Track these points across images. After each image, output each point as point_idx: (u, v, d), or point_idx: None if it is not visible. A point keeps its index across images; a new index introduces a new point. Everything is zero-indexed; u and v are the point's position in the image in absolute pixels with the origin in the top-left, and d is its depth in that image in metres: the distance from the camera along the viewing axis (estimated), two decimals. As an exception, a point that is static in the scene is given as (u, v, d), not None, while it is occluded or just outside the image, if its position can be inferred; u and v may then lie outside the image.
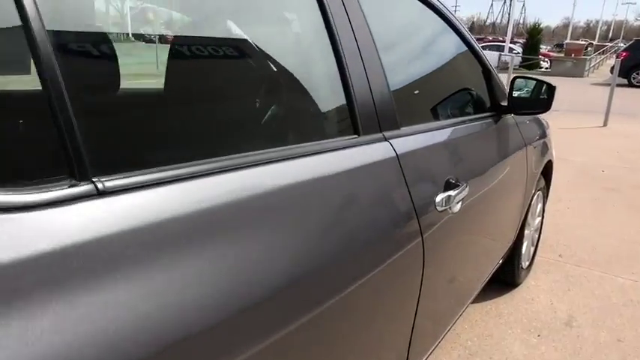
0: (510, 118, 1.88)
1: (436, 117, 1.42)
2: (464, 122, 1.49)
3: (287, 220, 0.73)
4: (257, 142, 0.79)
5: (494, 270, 2.01)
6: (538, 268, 2.66)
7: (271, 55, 0.95)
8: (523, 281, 2.50)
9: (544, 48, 28.54)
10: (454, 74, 1.68)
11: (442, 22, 1.56)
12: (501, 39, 26.23)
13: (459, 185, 1.23)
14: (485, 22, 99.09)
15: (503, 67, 14.44)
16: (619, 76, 12.49)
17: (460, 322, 2.10)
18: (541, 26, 23.53)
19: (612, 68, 8.00)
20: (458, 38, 1.65)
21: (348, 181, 0.88)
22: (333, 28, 0.97)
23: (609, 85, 7.77)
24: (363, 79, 1.02)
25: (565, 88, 13.94)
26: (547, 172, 2.52)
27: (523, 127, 2.02)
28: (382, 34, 1.17)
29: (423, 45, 1.53)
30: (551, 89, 1.68)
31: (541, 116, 2.38)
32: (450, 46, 1.65)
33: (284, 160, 0.78)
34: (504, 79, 9.61)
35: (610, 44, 28.52)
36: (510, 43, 23.79)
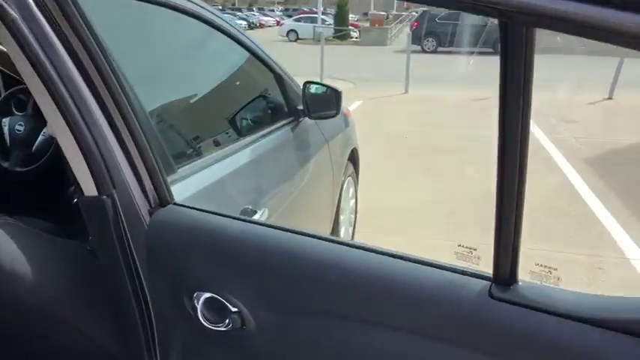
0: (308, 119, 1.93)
1: (216, 145, 1.35)
2: (253, 142, 1.46)
3: None
4: None
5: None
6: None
7: None
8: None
9: (353, 18, 30.68)
10: (233, 90, 1.63)
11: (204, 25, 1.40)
12: (316, 10, 27.29)
13: (256, 212, 1.22)
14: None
15: (319, 40, 15.13)
16: (413, 43, 14.22)
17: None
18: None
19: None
20: (231, 42, 1.53)
21: None
22: None
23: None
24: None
25: (371, 57, 15.30)
26: (354, 157, 2.72)
27: (323, 124, 2.11)
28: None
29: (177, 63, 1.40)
30: (338, 94, 1.77)
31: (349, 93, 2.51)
32: (221, 54, 1.56)
33: None
34: (317, 52, 9.82)
35: (406, 13, 32.03)
36: (323, 14, 25.04)
